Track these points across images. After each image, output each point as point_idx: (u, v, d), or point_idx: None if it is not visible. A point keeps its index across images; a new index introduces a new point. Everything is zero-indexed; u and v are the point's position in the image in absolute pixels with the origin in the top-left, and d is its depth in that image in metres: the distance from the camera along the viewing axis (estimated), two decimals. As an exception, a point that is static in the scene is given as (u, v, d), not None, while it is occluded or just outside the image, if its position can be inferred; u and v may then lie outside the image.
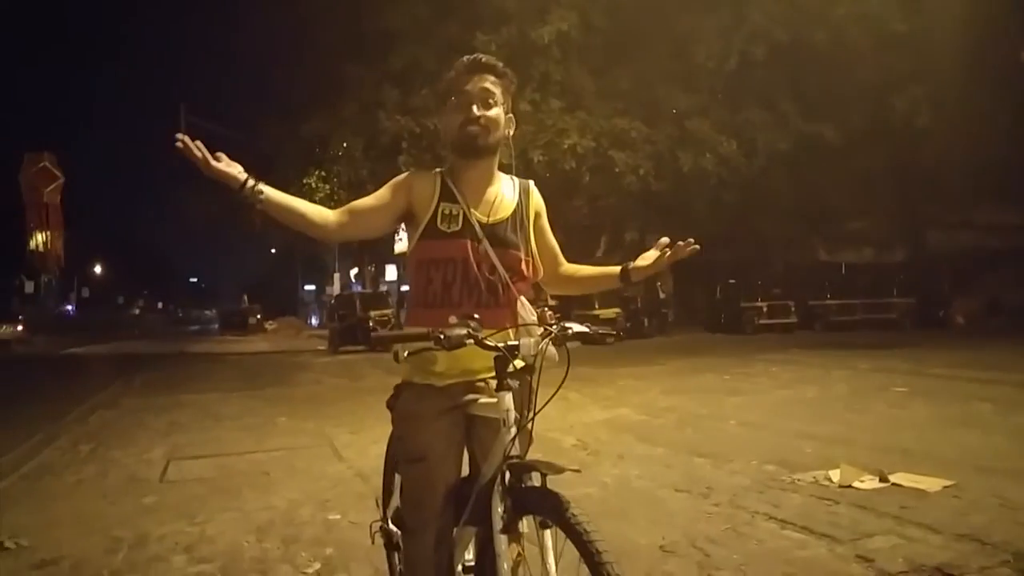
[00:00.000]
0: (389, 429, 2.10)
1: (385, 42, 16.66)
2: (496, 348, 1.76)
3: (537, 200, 2.13)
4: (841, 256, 26.95)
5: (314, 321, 50.54)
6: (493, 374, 1.81)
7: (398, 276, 38.01)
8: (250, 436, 6.54)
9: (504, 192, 2.05)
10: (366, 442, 5.95)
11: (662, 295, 21.64)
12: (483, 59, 1.98)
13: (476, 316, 1.75)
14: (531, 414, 1.77)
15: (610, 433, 6.08)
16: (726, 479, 4.41)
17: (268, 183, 1.96)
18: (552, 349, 1.84)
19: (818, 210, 22.56)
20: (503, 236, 1.99)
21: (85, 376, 16.16)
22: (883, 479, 4.15)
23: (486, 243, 1.95)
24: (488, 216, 1.99)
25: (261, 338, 33.79)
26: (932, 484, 4.03)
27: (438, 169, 2.04)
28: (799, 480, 4.26)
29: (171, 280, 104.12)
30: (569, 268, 2.21)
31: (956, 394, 7.53)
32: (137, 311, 73.41)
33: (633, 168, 14.78)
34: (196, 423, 7.44)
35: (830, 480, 4.20)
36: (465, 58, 1.99)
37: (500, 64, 1.99)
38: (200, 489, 4.64)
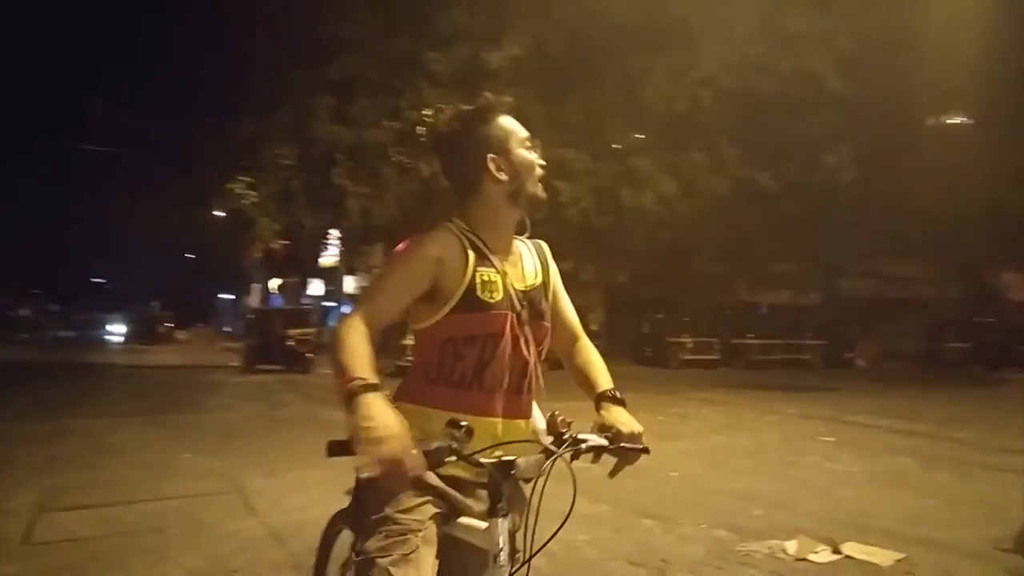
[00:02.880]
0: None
1: (329, 49, 16.07)
2: (484, 465, 1.44)
3: (554, 264, 1.81)
4: (761, 297, 27.89)
5: (227, 329, 48.37)
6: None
7: (325, 291, 36.84)
8: (146, 477, 5.76)
9: (523, 253, 1.74)
10: (282, 490, 5.35)
11: (593, 327, 21.67)
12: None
13: (464, 424, 1.39)
14: (528, 556, 1.46)
15: (549, 483, 5.71)
16: (679, 548, 4.13)
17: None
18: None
19: (745, 252, 23.22)
20: (537, 306, 1.68)
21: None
22: (836, 550, 4.04)
23: (525, 314, 1.63)
24: (522, 282, 1.67)
25: (171, 349, 31.84)
26: (884, 558, 3.92)
27: (452, 224, 1.65)
28: (755, 552, 4.02)
29: (72, 281, 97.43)
30: (580, 356, 1.81)
31: (878, 446, 7.74)
32: (27, 312, 65.84)
33: (575, 200, 14.69)
34: (81, 458, 6.47)
35: (785, 552, 4.00)
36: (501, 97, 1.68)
37: None
38: (75, 554, 3.88)
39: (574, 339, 1.85)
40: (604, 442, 1.59)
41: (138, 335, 38.46)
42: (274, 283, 38.29)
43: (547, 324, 1.71)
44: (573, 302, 1.86)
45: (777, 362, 21.95)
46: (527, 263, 1.74)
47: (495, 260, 1.64)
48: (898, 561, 3.84)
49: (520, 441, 1.59)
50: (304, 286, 36.84)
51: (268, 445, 7.39)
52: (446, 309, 1.59)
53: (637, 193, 15.65)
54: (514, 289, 1.64)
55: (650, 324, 23.03)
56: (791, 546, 4.03)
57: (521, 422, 1.66)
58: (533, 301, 1.68)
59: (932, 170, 20.69)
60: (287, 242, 23.33)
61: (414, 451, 1.28)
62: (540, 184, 1.69)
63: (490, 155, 1.64)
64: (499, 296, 1.61)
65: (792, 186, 17.56)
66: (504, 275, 1.64)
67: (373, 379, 1.38)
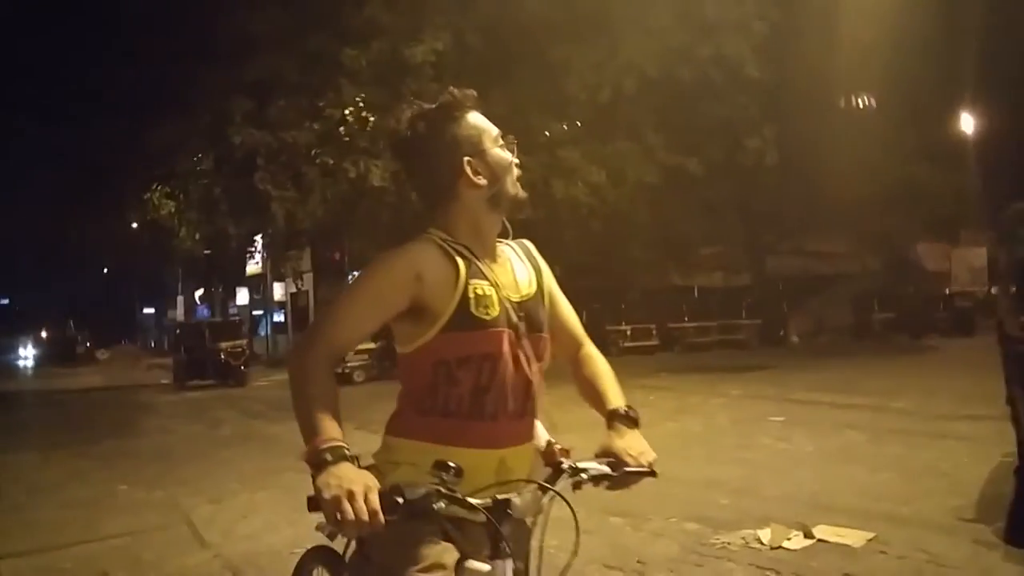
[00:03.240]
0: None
1: (241, 48, 15.51)
2: (478, 508, 1.31)
3: (546, 265, 1.66)
4: (693, 280, 28.51)
5: (152, 345, 46.32)
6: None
7: (250, 300, 35.63)
8: (80, 516, 5.33)
9: (512, 259, 1.59)
10: (232, 516, 5.08)
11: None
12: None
13: (452, 465, 1.26)
14: None
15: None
16: (652, 546, 4.08)
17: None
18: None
19: (675, 237, 23.67)
20: (535, 318, 1.54)
21: None
22: (808, 535, 4.04)
23: (523, 328, 1.47)
24: (517, 292, 1.53)
25: (93, 370, 30.22)
26: (856, 538, 3.96)
27: (433, 235, 1.49)
28: (729, 544, 4.00)
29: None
30: (587, 366, 1.70)
31: (826, 422, 7.82)
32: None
33: (507, 195, 14.62)
34: (4, 499, 5.97)
35: (760, 542, 3.99)
36: (466, 91, 1.52)
37: None
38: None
39: (578, 346, 1.72)
40: (606, 470, 1.49)
41: (55, 357, 36.43)
42: (198, 293, 36.87)
43: (547, 336, 1.57)
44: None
45: (714, 343, 22.46)
46: (519, 270, 1.58)
47: (486, 271, 1.49)
48: (869, 540, 3.88)
49: (516, 480, 1.45)
50: (231, 296, 35.58)
51: (210, 468, 7.03)
52: (435, 328, 1.42)
53: (568, 184, 15.70)
54: (510, 302, 1.49)
55: (588, 314, 23.15)
56: (764, 535, 4.02)
57: (525, 447, 1.53)
58: (530, 312, 1.53)
59: (847, 149, 21.60)
60: (208, 251, 22.45)
61: (379, 515, 1.18)
62: (519, 183, 1.57)
63: (466, 158, 1.49)
64: (495, 311, 1.45)
65: (718, 170, 17.98)
66: (498, 287, 1.48)
67: (340, 439, 1.27)
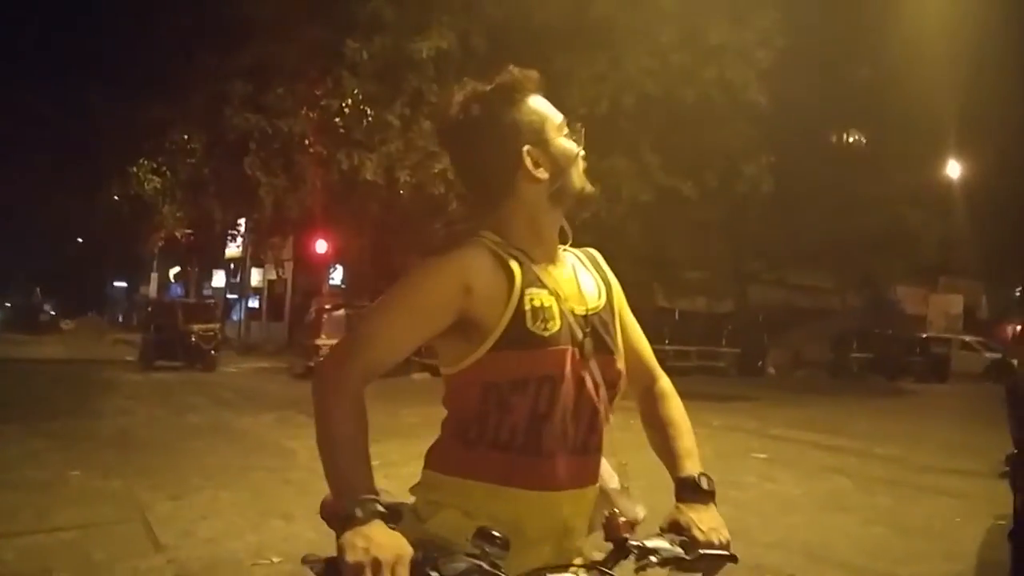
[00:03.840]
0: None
1: (241, 31, 15.28)
2: None
3: (615, 279, 1.42)
4: (676, 303, 28.47)
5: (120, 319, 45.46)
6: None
7: (226, 283, 35.01)
8: (28, 503, 4.99)
9: (576, 267, 1.36)
10: (192, 515, 4.78)
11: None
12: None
13: (498, 535, 1.02)
14: None
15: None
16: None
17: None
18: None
19: (663, 258, 23.60)
20: (603, 336, 1.30)
21: None
22: (808, 592, 3.83)
23: (589, 345, 1.25)
24: (582, 304, 1.29)
25: (55, 339, 29.44)
26: (857, 600, 3.76)
27: (484, 238, 1.26)
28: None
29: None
30: (660, 408, 1.43)
31: (811, 464, 7.71)
32: None
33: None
34: (-54, 479, 5.61)
35: (760, 598, 3.79)
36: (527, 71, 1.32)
37: None
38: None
39: (651, 379, 1.46)
40: (679, 551, 1.23)
41: (17, 324, 35.46)
42: (173, 271, 36.17)
43: (619, 359, 1.33)
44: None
45: (693, 368, 22.34)
46: (584, 280, 1.35)
47: (545, 278, 1.26)
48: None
49: (567, 566, 1.21)
50: (207, 277, 34.94)
51: (173, 459, 6.71)
52: (485, 346, 1.20)
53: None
54: (573, 315, 1.26)
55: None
56: (762, 587, 3.82)
57: (588, 491, 1.30)
58: (598, 328, 1.30)
59: (836, 185, 21.77)
60: (190, 231, 22.05)
61: None
62: (585, 177, 1.34)
63: (525, 147, 1.27)
64: (556, 326, 1.23)
65: (711, 195, 17.95)
66: (559, 297, 1.26)
67: (373, 492, 1.08)
